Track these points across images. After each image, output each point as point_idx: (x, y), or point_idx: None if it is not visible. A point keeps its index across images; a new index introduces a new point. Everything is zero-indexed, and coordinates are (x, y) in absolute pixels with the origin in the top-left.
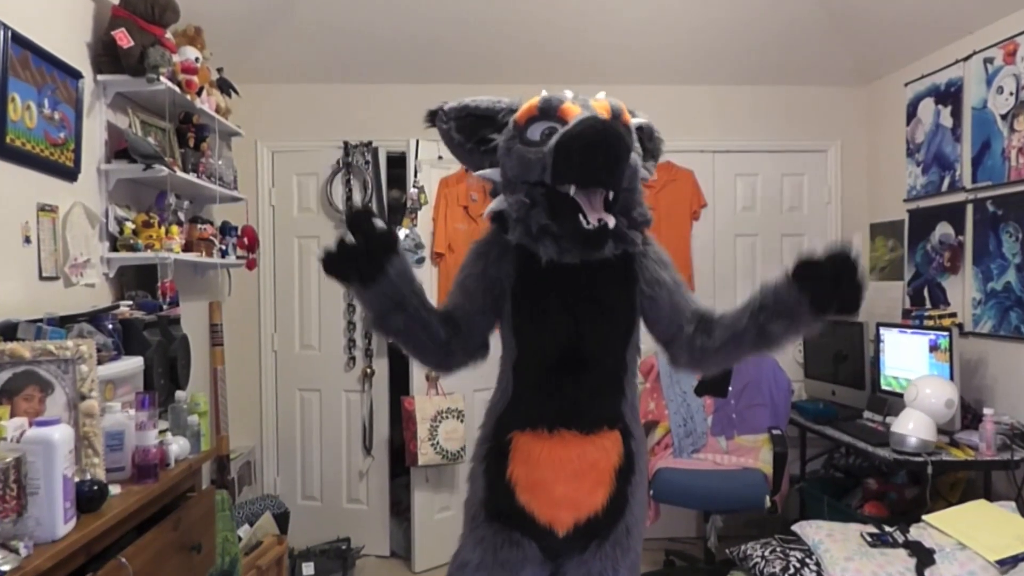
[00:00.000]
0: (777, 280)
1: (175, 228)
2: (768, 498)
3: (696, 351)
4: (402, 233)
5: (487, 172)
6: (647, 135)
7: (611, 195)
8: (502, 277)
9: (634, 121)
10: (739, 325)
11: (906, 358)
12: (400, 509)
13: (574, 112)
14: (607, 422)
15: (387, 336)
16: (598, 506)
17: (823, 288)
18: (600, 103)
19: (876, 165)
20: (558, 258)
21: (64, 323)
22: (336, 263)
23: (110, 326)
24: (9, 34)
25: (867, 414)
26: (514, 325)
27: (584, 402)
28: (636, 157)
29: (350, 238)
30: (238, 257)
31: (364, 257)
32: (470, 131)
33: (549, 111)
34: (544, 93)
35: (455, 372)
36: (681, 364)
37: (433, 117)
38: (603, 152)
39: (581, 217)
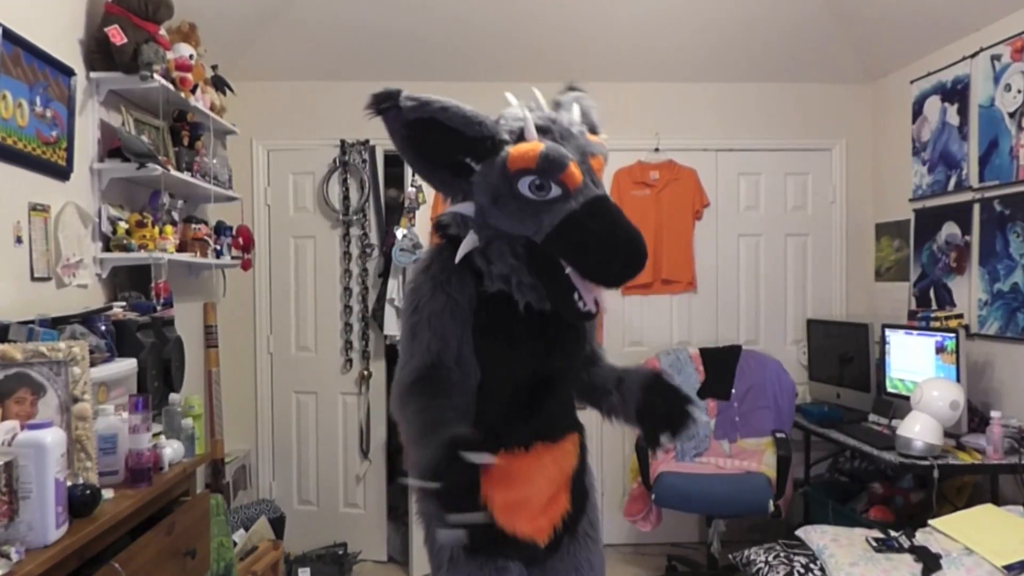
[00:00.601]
0: (633, 392)
1: (169, 228)
2: (772, 502)
3: (577, 381)
4: (399, 233)
5: (461, 207)
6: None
7: None
8: (465, 303)
9: (601, 138)
10: (604, 384)
11: (912, 360)
12: (398, 514)
13: (576, 179)
14: (569, 427)
15: None
16: (567, 505)
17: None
18: (596, 160)
19: (881, 164)
20: (536, 305)
21: (56, 324)
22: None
23: (103, 327)
24: (0, 31)
25: (872, 417)
26: (478, 348)
27: (556, 415)
28: None
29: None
30: (233, 257)
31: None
32: (435, 146)
33: (549, 171)
34: (532, 133)
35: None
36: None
37: (380, 105)
38: (630, 271)
39: (576, 298)
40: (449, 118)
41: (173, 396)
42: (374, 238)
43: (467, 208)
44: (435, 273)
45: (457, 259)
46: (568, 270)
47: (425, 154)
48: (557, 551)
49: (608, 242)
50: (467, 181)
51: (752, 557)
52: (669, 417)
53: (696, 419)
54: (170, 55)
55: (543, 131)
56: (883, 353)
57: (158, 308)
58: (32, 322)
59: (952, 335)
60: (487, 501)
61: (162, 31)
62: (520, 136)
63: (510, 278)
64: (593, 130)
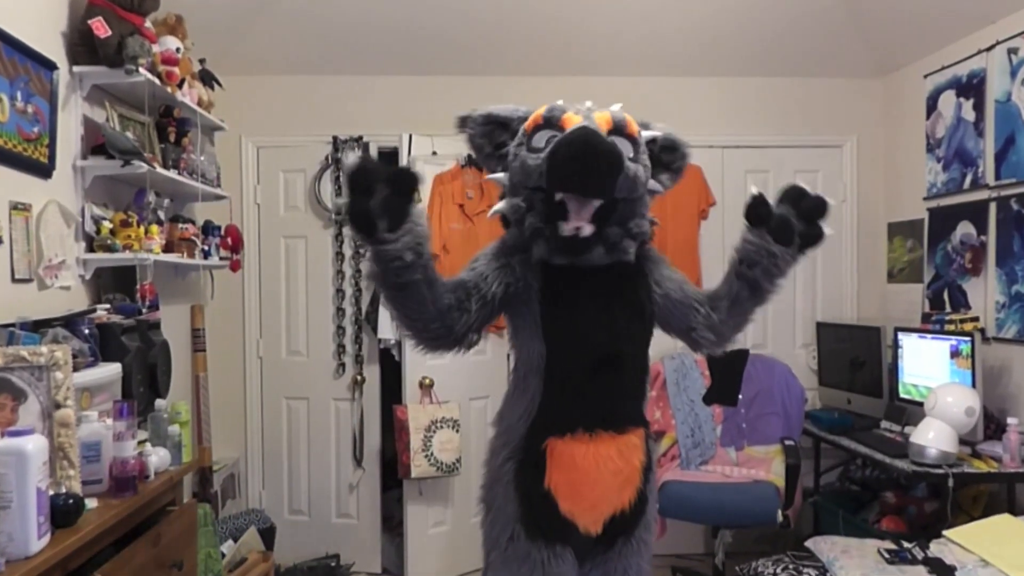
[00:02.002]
0: (742, 231)
1: (155, 228)
2: (780, 512)
3: (716, 327)
4: None
5: (497, 176)
6: (667, 147)
7: (605, 203)
8: (518, 279)
9: (646, 133)
10: (733, 287)
11: (926, 365)
12: (392, 524)
13: (573, 122)
14: (634, 421)
15: (395, 293)
16: (625, 503)
17: (774, 220)
18: (602, 115)
19: (894, 161)
20: (548, 259)
21: (38, 327)
22: (365, 207)
23: (86, 331)
24: None
25: (884, 424)
26: (544, 327)
27: (619, 402)
28: (636, 168)
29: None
30: (221, 258)
31: (393, 198)
32: (490, 136)
33: (552, 120)
34: (560, 103)
35: (441, 351)
36: (706, 345)
37: (464, 123)
38: (584, 162)
39: (560, 224)
40: (500, 113)
41: (159, 402)
42: None
43: (503, 177)
44: (503, 243)
45: (491, 213)
46: (560, 197)
47: (490, 139)
48: (611, 549)
49: (566, 145)
50: (504, 156)
51: (760, 569)
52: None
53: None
54: (156, 48)
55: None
56: (896, 357)
57: (143, 311)
58: (13, 325)
59: (967, 339)
60: (553, 486)
61: (148, 23)
62: None
63: (524, 224)
64: (646, 127)
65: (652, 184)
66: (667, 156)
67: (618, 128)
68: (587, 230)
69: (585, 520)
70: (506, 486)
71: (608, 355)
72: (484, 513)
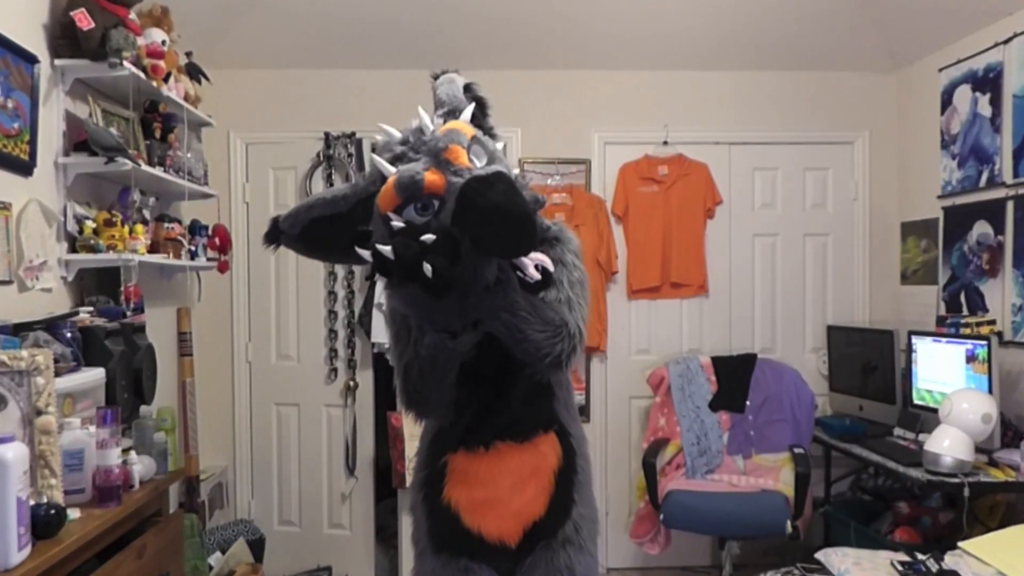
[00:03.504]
0: None
1: (140, 227)
2: (789, 523)
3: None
4: None
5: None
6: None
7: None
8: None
9: (464, 116)
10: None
11: (941, 370)
12: (386, 535)
13: (439, 185)
14: (542, 426)
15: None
16: (540, 511)
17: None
18: (451, 150)
19: (907, 158)
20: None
21: (18, 331)
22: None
23: (69, 334)
24: None
25: (898, 431)
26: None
27: (521, 413)
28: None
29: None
30: (209, 259)
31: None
32: (333, 238)
33: (413, 195)
34: (386, 167)
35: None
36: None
37: (274, 238)
38: (509, 236)
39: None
40: (313, 210)
41: (144, 408)
42: None
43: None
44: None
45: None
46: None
47: (332, 248)
48: (532, 555)
49: (486, 223)
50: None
51: None
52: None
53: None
54: (141, 41)
55: (398, 158)
56: (909, 362)
57: (128, 314)
58: None
59: (984, 343)
60: (452, 500)
61: (132, 15)
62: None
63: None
64: (457, 111)
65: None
66: (479, 107)
67: (466, 145)
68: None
69: (494, 532)
70: (417, 497)
71: (499, 367)
72: (412, 524)
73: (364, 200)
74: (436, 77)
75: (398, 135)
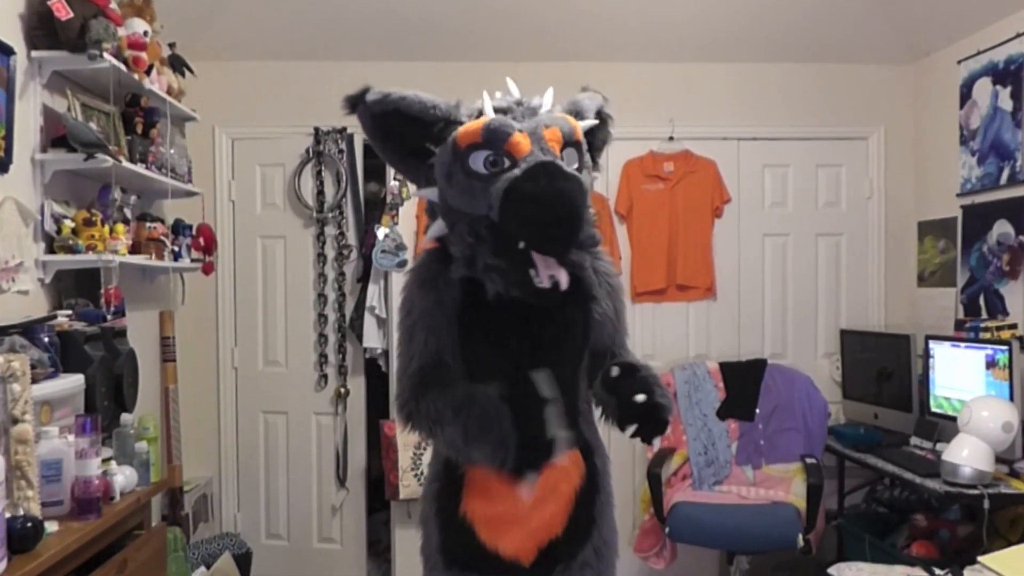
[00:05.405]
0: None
1: (120, 227)
2: (801, 537)
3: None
4: (381, 232)
5: (426, 192)
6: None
7: None
8: (449, 299)
9: (583, 124)
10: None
11: (959, 376)
12: (379, 549)
13: (523, 148)
14: (569, 442)
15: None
16: (558, 530)
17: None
18: (551, 131)
19: (925, 154)
20: (506, 293)
21: None
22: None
23: (46, 339)
24: None
25: (914, 440)
26: (464, 353)
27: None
28: (589, 194)
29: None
30: (193, 260)
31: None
32: (400, 135)
33: (494, 141)
34: (489, 111)
35: None
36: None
37: (353, 105)
38: (557, 227)
39: (532, 273)
40: (407, 106)
41: (125, 417)
42: (352, 238)
43: (431, 193)
44: (422, 272)
45: (424, 240)
46: (522, 245)
47: (391, 144)
48: None
49: (540, 201)
50: (430, 166)
51: None
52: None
53: (664, 405)
54: (122, 31)
55: (504, 111)
56: (926, 368)
57: (108, 317)
58: None
59: (1005, 348)
60: (470, 514)
61: (113, 4)
62: (479, 116)
63: (475, 261)
64: (580, 115)
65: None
66: (599, 133)
67: (568, 140)
68: (565, 278)
69: (509, 550)
70: (430, 510)
71: (528, 380)
72: (421, 535)
73: (447, 123)
74: (584, 89)
75: (516, 94)
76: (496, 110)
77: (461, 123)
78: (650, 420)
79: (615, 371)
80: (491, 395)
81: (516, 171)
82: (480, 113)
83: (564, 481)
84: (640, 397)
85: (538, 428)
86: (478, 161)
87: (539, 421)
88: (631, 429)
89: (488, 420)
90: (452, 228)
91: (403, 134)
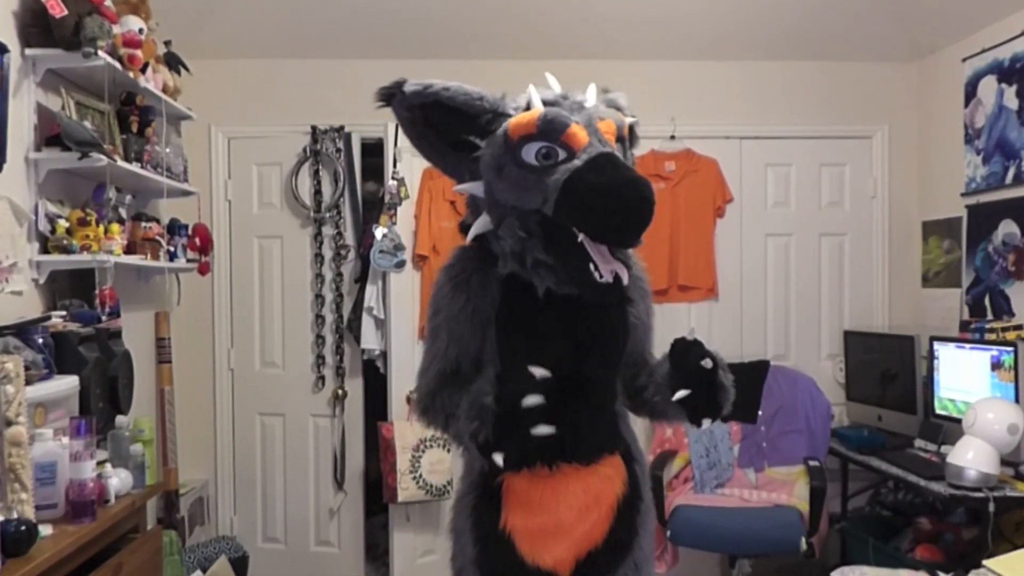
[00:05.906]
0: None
1: (115, 227)
2: (804, 540)
3: (634, 394)
4: (379, 232)
5: (469, 186)
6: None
7: None
8: (486, 305)
9: (629, 120)
10: (653, 395)
11: (964, 377)
12: (377, 553)
13: (581, 140)
14: (607, 447)
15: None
16: (598, 540)
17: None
18: (605, 123)
19: (929, 153)
20: (557, 290)
21: None
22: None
23: (40, 340)
24: None
25: (919, 442)
26: (501, 347)
27: (585, 431)
28: None
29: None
30: (189, 260)
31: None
32: (441, 127)
33: (550, 132)
34: (538, 103)
35: None
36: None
37: (389, 98)
38: (627, 218)
39: (593, 269)
40: (450, 98)
41: (120, 419)
42: (350, 238)
43: (476, 188)
44: (456, 272)
45: (468, 238)
46: (581, 238)
47: (430, 137)
48: None
49: (608, 192)
50: (474, 160)
51: None
52: (698, 389)
53: (726, 385)
54: (117, 29)
55: (550, 104)
56: (931, 369)
57: (103, 318)
58: None
59: (1010, 349)
60: (509, 527)
61: (108, 2)
62: (528, 108)
63: (524, 257)
64: (620, 112)
65: None
66: (633, 132)
67: (619, 135)
68: (625, 273)
69: (549, 562)
70: (464, 523)
71: (569, 383)
72: (452, 547)
73: (495, 115)
74: (605, 91)
75: (558, 89)
76: (544, 103)
77: (508, 115)
78: (705, 393)
79: (693, 334)
80: (492, 379)
81: (576, 162)
82: (527, 105)
83: (607, 489)
84: (707, 363)
85: (522, 413)
86: (531, 153)
87: (522, 406)
88: (682, 394)
89: (477, 396)
90: (499, 223)
91: (446, 127)
